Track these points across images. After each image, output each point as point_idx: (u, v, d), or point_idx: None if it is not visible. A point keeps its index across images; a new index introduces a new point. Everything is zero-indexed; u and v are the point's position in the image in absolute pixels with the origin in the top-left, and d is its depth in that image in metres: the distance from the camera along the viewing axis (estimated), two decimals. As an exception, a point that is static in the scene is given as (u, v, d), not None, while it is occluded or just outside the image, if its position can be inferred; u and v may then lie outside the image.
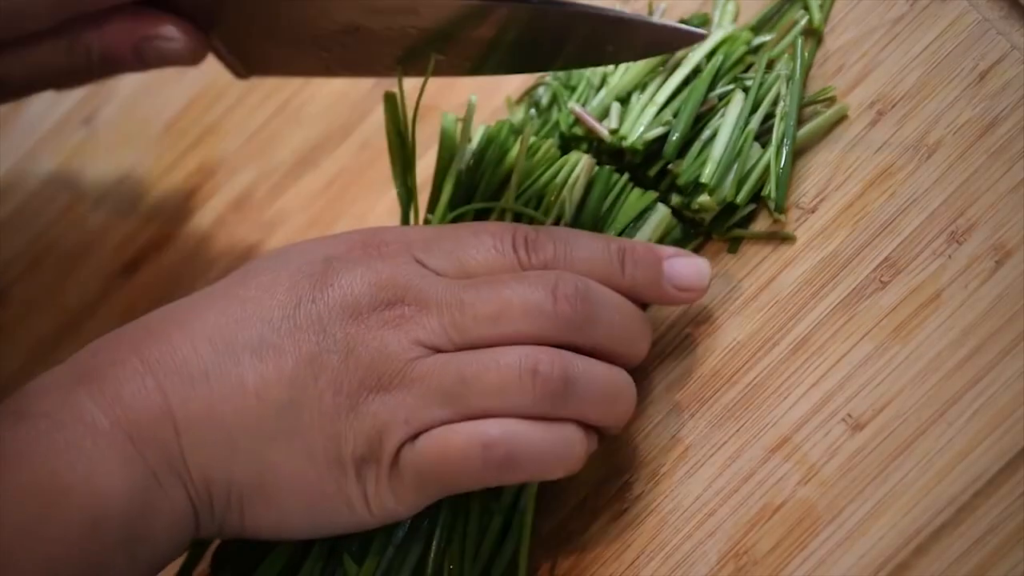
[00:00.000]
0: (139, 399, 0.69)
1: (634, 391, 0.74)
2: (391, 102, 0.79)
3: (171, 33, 0.81)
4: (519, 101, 0.89)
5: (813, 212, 0.79)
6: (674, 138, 0.81)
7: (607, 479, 0.79)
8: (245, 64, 0.84)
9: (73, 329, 0.92)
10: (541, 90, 0.88)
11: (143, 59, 0.81)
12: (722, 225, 0.81)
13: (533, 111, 0.86)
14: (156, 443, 0.68)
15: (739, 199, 0.80)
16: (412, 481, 0.71)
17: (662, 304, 0.78)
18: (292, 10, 0.79)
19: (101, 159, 0.96)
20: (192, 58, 0.82)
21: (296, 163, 0.93)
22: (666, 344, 0.80)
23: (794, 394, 0.76)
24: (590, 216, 0.79)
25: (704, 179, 0.79)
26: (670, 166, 0.81)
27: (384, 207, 0.89)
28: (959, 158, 0.77)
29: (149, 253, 0.93)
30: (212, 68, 0.95)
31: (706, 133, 0.81)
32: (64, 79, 0.82)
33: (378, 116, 0.92)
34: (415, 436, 0.70)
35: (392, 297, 0.70)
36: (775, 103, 0.81)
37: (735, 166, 0.80)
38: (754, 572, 0.74)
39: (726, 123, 0.81)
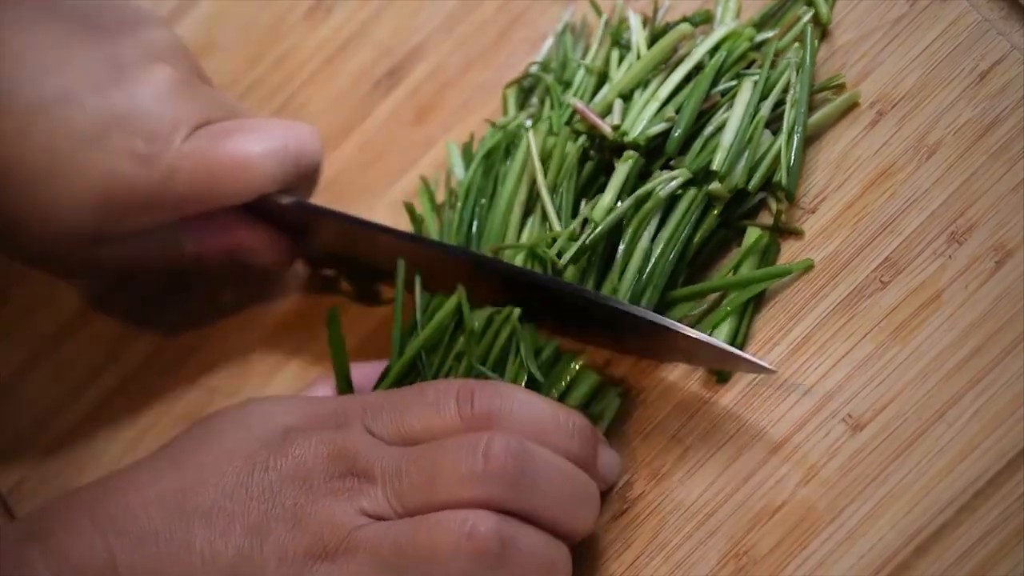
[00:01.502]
0: (86, 558, 0.71)
1: (569, 564, 0.74)
2: (333, 321, 0.81)
3: (265, 245, 0.83)
4: (510, 85, 0.88)
5: (813, 212, 0.79)
6: (677, 134, 0.80)
7: (607, 479, 0.79)
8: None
9: (73, 329, 0.92)
10: (528, 82, 0.88)
11: (233, 262, 0.84)
12: (732, 214, 0.81)
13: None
14: None
15: (751, 186, 0.80)
16: None
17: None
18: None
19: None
20: (282, 266, 0.86)
21: (296, 163, 0.93)
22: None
23: (794, 394, 0.76)
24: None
25: (715, 166, 0.79)
26: (672, 162, 0.81)
27: (384, 207, 0.90)
28: (959, 158, 0.77)
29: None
30: (212, 67, 0.95)
31: (709, 129, 0.81)
32: (151, 270, 0.85)
33: (378, 116, 0.92)
34: None
35: (342, 469, 0.72)
36: (785, 91, 0.81)
37: (746, 153, 0.80)
38: (754, 572, 0.74)
39: (736, 110, 0.80)
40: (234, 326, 0.90)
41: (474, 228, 0.83)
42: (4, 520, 0.89)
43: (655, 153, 0.81)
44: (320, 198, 0.92)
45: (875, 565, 0.72)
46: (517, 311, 0.78)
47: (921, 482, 0.72)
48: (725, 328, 0.78)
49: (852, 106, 0.80)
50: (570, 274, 0.79)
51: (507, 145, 0.84)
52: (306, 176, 0.82)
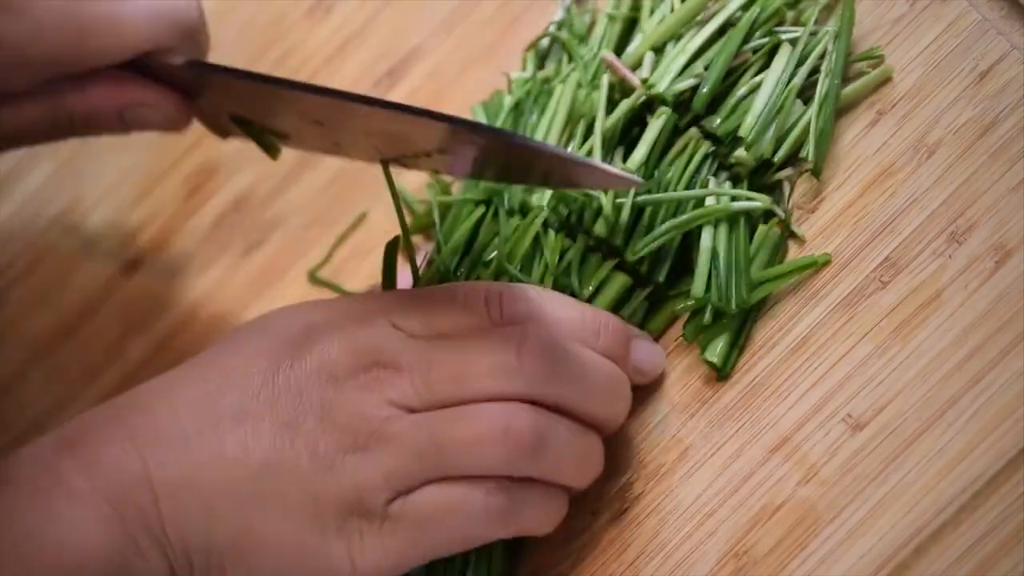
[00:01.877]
0: (118, 465, 0.70)
1: (602, 455, 0.75)
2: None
3: (154, 101, 0.82)
4: (529, 48, 0.88)
5: (813, 212, 0.79)
6: (704, 90, 0.80)
7: (607, 479, 0.79)
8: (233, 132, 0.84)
9: (73, 329, 0.92)
10: (545, 42, 0.88)
11: (126, 123, 0.82)
12: (757, 182, 0.80)
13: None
14: (134, 508, 0.70)
15: (776, 157, 0.79)
16: (408, 534, 0.72)
17: None
18: (274, 107, 0.80)
19: (101, 159, 0.96)
20: (175, 125, 0.83)
21: (296, 163, 0.93)
22: (666, 343, 0.80)
23: (794, 394, 0.76)
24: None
25: (743, 132, 0.79)
26: (703, 122, 0.80)
27: (384, 207, 0.89)
28: (959, 158, 0.77)
29: (149, 253, 0.93)
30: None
31: (742, 90, 0.80)
32: (45, 137, 0.83)
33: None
34: (407, 492, 0.71)
35: (368, 361, 0.72)
36: (820, 59, 0.80)
37: (775, 122, 0.79)
38: (754, 572, 0.74)
39: (770, 76, 0.80)
40: (234, 326, 0.90)
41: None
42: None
43: (684, 107, 0.81)
44: (320, 198, 0.92)
45: (875, 565, 0.72)
46: (543, 215, 0.79)
47: (921, 482, 0.72)
48: (721, 340, 0.78)
49: (885, 80, 0.79)
50: (601, 228, 0.79)
51: (535, 97, 0.84)
52: (190, 35, 0.81)
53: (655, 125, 0.80)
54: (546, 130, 0.83)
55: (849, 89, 0.80)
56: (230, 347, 0.74)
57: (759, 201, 0.78)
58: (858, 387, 0.75)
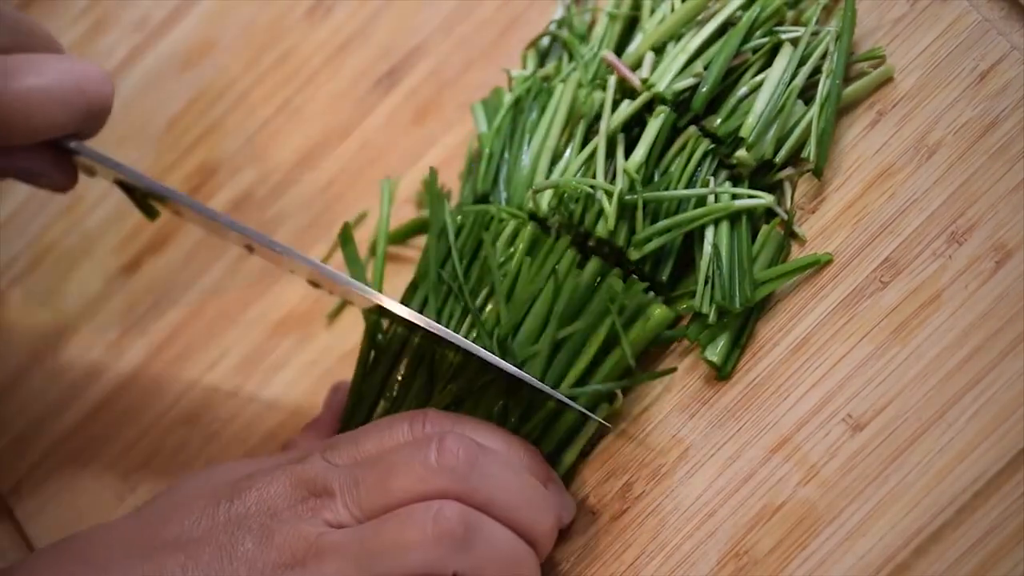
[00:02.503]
0: None
1: (537, 569, 0.75)
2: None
3: (45, 171, 0.81)
4: (529, 46, 0.88)
5: (813, 212, 0.79)
6: (704, 90, 0.80)
7: (607, 479, 0.79)
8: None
9: (73, 329, 0.92)
10: (546, 41, 0.88)
11: (11, 177, 0.82)
12: (758, 182, 0.80)
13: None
14: None
15: (777, 158, 0.79)
16: None
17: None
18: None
19: (101, 159, 0.96)
20: (60, 190, 0.83)
21: (296, 163, 0.93)
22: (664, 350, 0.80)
23: (794, 394, 0.76)
24: None
25: (744, 133, 0.79)
26: (703, 121, 0.80)
27: (384, 206, 0.89)
28: (959, 158, 0.77)
29: (149, 253, 0.93)
30: (212, 67, 0.95)
31: (743, 90, 0.80)
32: None
33: (378, 116, 0.92)
34: None
35: (304, 493, 0.75)
36: (822, 59, 0.80)
37: (777, 122, 0.79)
38: (754, 572, 0.74)
39: (771, 77, 0.80)
40: (234, 326, 0.90)
41: (502, 175, 0.84)
42: (4, 520, 0.89)
43: (684, 106, 0.81)
44: (320, 198, 0.92)
45: (875, 565, 0.72)
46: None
47: (921, 482, 0.72)
48: (723, 339, 0.78)
49: (886, 81, 0.79)
50: (602, 229, 0.79)
51: (535, 95, 0.84)
52: (94, 117, 0.80)
53: (654, 124, 0.80)
54: (546, 129, 0.83)
55: (850, 89, 0.80)
56: (172, 492, 0.77)
57: (762, 199, 0.78)
58: (858, 387, 0.75)
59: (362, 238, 0.90)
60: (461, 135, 0.89)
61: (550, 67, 0.87)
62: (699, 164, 0.80)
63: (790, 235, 0.79)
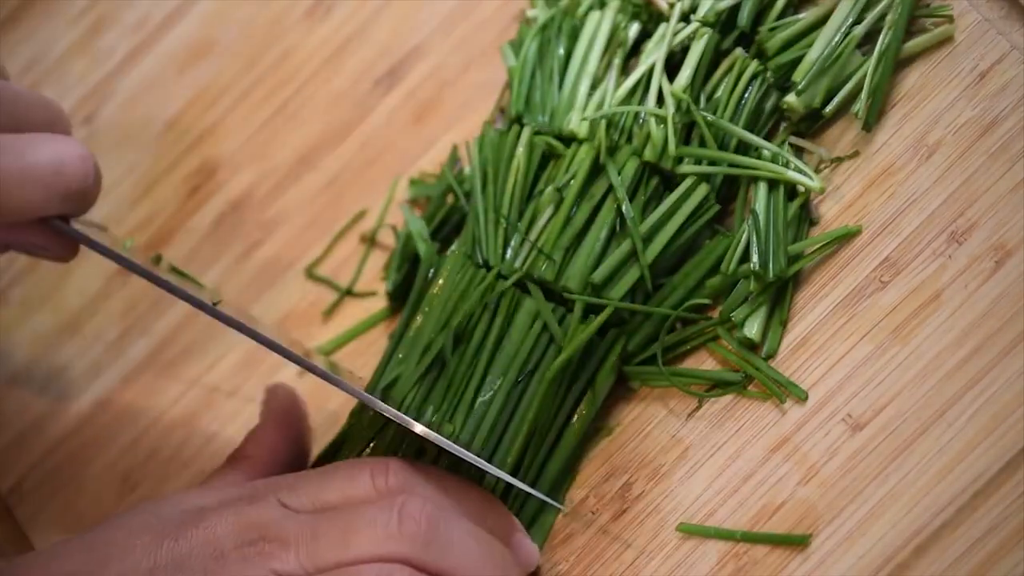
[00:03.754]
0: None
1: None
2: None
3: (42, 245, 0.80)
4: None
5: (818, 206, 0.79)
6: (747, 8, 0.79)
7: (607, 479, 0.79)
8: None
9: (73, 329, 0.92)
10: None
11: (12, 249, 0.81)
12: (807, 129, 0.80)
13: None
14: None
15: (827, 111, 0.79)
16: None
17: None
18: None
19: (101, 158, 0.95)
20: (61, 260, 0.82)
21: (296, 163, 0.93)
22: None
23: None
24: None
25: (796, 77, 0.78)
26: (757, 36, 0.80)
27: (381, 207, 0.90)
28: (959, 158, 0.77)
29: (149, 253, 0.93)
30: (212, 67, 0.95)
31: (799, 22, 0.79)
32: None
33: (378, 116, 0.92)
34: None
35: (254, 536, 0.73)
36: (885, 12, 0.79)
37: (832, 70, 0.78)
38: (754, 572, 0.74)
39: (832, 22, 0.79)
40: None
41: (536, 100, 0.84)
42: (4, 520, 0.89)
43: (727, 28, 0.81)
44: (320, 198, 0.92)
45: (875, 565, 0.72)
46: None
47: (921, 482, 0.72)
48: (759, 316, 0.77)
49: (947, 39, 0.78)
50: (650, 153, 0.79)
51: (559, 25, 0.85)
52: (74, 198, 0.78)
53: (697, 47, 0.80)
54: (583, 56, 0.83)
55: (909, 45, 0.79)
56: (115, 523, 0.75)
57: (813, 181, 0.78)
58: (858, 387, 0.75)
59: (361, 236, 0.90)
60: (461, 135, 0.89)
61: (564, 2, 0.87)
62: (747, 87, 0.80)
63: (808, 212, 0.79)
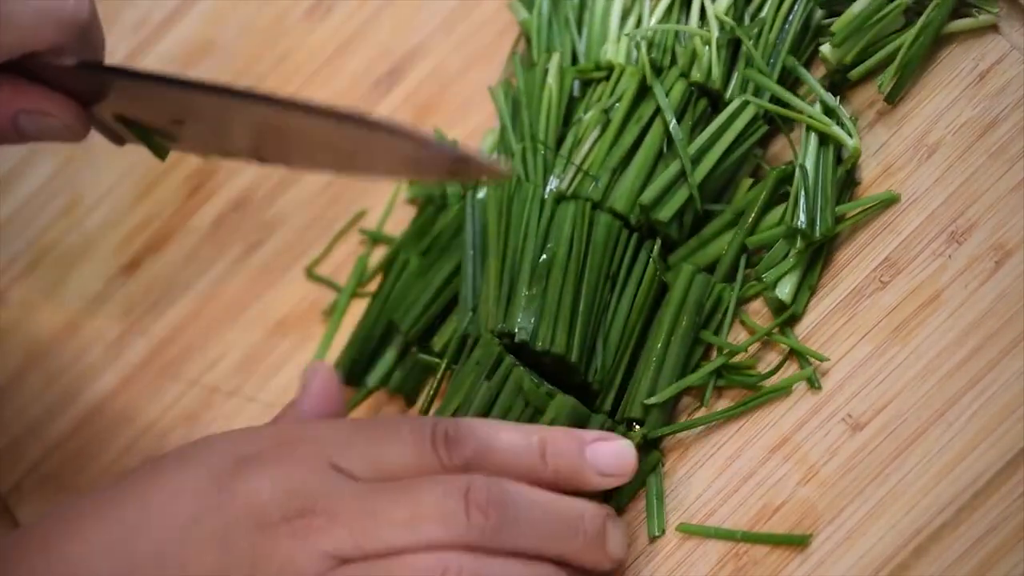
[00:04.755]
0: None
1: None
2: None
3: (51, 108, 0.78)
4: None
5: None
6: None
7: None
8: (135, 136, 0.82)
9: (73, 329, 0.92)
10: None
11: (21, 132, 0.79)
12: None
13: None
14: None
15: (854, 73, 0.79)
16: None
17: (588, 490, 0.74)
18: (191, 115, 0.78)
19: (101, 159, 0.95)
20: (74, 135, 0.79)
21: (296, 163, 0.93)
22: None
23: (794, 394, 0.76)
24: None
25: (835, 28, 0.78)
26: None
27: (384, 207, 0.89)
28: (959, 158, 0.77)
29: (149, 253, 0.93)
30: (212, 67, 0.95)
31: None
32: None
33: (378, 116, 0.92)
34: None
35: (301, 506, 0.67)
36: None
37: (873, 29, 0.78)
38: (754, 572, 0.74)
39: None
40: (234, 326, 0.90)
41: (575, 32, 0.85)
42: (4, 520, 0.89)
43: None
44: (320, 198, 0.92)
45: (875, 565, 0.72)
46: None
47: (921, 482, 0.72)
48: (790, 281, 0.77)
49: (987, 28, 0.78)
50: (697, 74, 0.79)
51: None
52: (80, 33, 0.76)
53: None
54: None
55: (952, 25, 0.78)
56: (151, 479, 0.69)
57: (851, 139, 0.77)
58: (858, 387, 0.75)
59: (361, 236, 0.90)
60: (461, 135, 0.89)
61: None
62: (791, 8, 0.80)
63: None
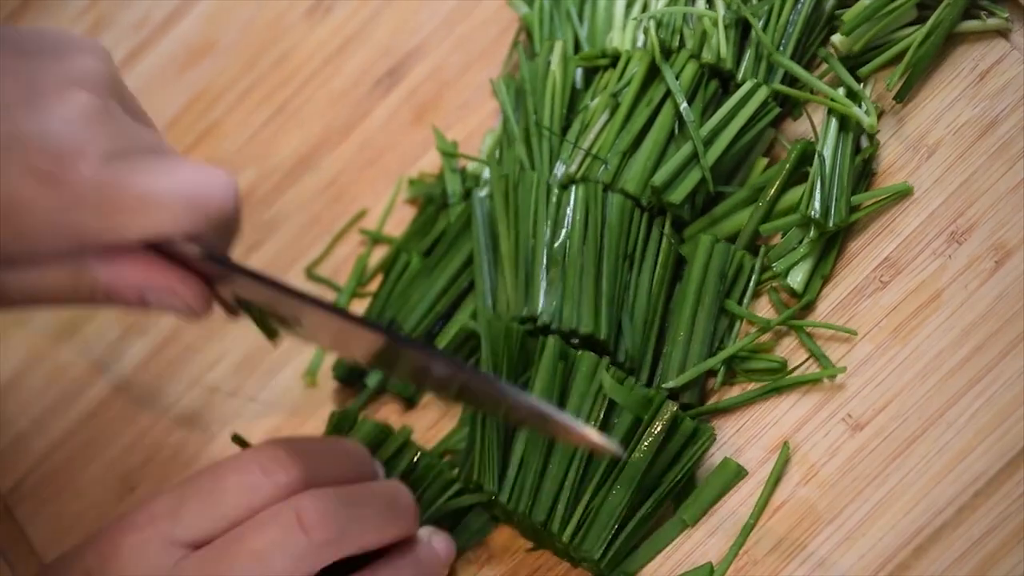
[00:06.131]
0: None
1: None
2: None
3: (178, 288, 0.79)
4: None
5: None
6: None
7: (607, 479, 0.79)
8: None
9: (73, 329, 0.92)
10: None
11: (146, 303, 0.80)
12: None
13: None
14: None
15: (862, 70, 0.79)
16: None
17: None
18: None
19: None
20: (196, 315, 0.81)
21: (296, 163, 0.93)
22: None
23: (794, 394, 0.76)
24: None
25: (846, 17, 0.78)
26: None
27: (384, 207, 0.89)
28: (959, 158, 0.77)
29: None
30: (212, 67, 0.95)
31: None
32: (65, 301, 0.80)
33: (378, 116, 0.92)
34: None
35: None
36: None
37: (881, 20, 0.78)
38: (754, 572, 0.74)
39: None
40: (234, 326, 0.90)
41: (576, 23, 0.86)
42: (4, 520, 0.89)
43: None
44: (320, 198, 0.92)
45: (875, 565, 0.72)
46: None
47: (921, 482, 0.72)
48: (802, 269, 0.77)
49: (998, 32, 0.78)
50: (708, 55, 0.79)
51: None
52: (218, 226, 0.78)
53: None
54: None
55: (962, 26, 0.78)
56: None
57: (865, 117, 0.77)
58: (858, 387, 0.75)
59: (361, 236, 0.90)
60: (461, 135, 0.89)
61: None
62: None
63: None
